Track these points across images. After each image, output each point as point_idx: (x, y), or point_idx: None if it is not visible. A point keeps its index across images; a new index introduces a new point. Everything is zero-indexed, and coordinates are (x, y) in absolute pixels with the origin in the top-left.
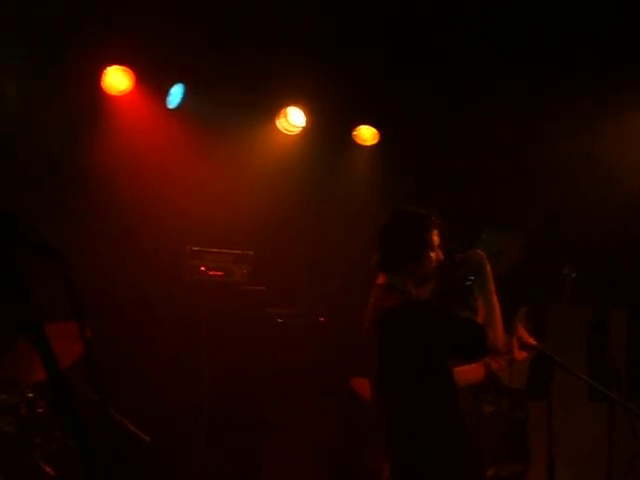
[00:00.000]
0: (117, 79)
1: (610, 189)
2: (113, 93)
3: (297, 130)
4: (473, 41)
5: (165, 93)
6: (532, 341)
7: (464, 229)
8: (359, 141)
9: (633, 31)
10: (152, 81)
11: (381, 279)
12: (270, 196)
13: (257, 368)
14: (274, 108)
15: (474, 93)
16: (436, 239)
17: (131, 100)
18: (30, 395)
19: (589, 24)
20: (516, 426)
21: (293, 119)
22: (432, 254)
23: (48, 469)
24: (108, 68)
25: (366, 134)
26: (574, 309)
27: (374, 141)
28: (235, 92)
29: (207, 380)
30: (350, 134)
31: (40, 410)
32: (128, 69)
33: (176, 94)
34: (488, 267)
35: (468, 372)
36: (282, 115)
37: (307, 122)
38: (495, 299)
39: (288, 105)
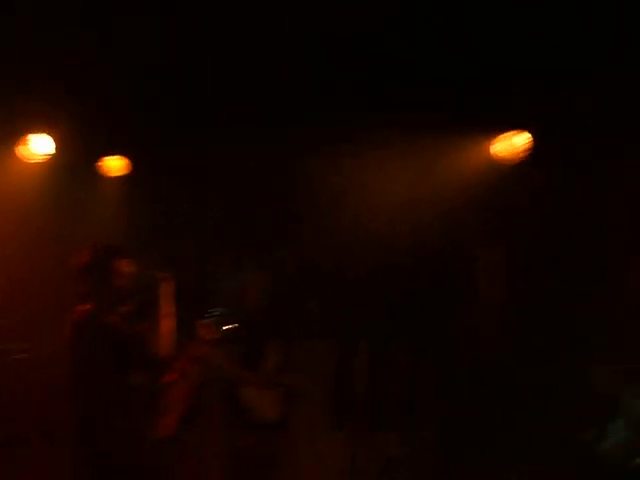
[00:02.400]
0: None
1: (356, 223)
2: None
3: (41, 158)
4: (219, 77)
5: None
6: (212, 335)
7: (203, 256)
8: (106, 171)
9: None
10: None
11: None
12: (12, 227)
13: None
14: (16, 135)
15: (221, 126)
16: (124, 268)
17: None
18: None
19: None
20: (262, 462)
21: (36, 146)
22: (118, 281)
23: None
24: None
25: (113, 164)
26: (319, 341)
27: (122, 172)
28: None
29: None
30: (96, 164)
31: None
32: None
33: None
34: (162, 288)
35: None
36: (24, 142)
37: (53, 149)
38: (162, 314)
39: (32, 132)
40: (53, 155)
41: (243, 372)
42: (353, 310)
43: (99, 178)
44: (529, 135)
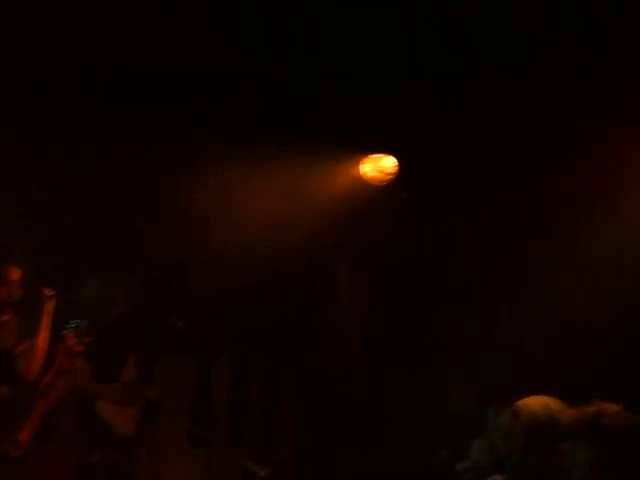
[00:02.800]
0: None
1: (221, 239)
2: None
3: None
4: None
5: None
6: (77, 347)
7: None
8: None
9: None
10: None
11: None
12: None
13: None
14: None
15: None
16: (9, 275)
17: None
18: None
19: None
20: (121, 476)
21: None
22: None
23: None
24: None
25: None
26: (180, 356)
27: None
28: None
29: None
30: None
31: None
32: None
33: None
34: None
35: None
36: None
37: None
38: (36, 333)
39: None
40: None
41: (97, 385)
42: (216, 325)
43: None
44: (395, 158)
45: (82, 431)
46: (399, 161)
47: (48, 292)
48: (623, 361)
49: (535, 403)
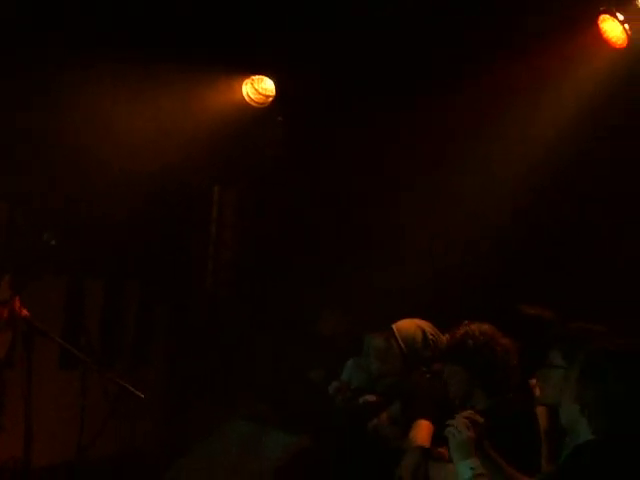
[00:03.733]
0: None
1: (99, 160)
2: None
3: None
4: None
5: None
6: None
7: None
8: None
9: None
10: None
11: None
12: None
13: None
14: None
15: None
16: None
17: None
18: None
19: None
20: None
21: None
22: None
23: None
24: None
25: None
26: (52, 277)
27: None
28: None
29: None
30: None
31: None
32: None
33: None
34: None
35: None
36: None
37: None
38: None
39: None
40: None
41: None
42: (90, 245)
43: None
44: (274, 80)
45: None
46: (279, 83)
47: None
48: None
49: (409, 326)
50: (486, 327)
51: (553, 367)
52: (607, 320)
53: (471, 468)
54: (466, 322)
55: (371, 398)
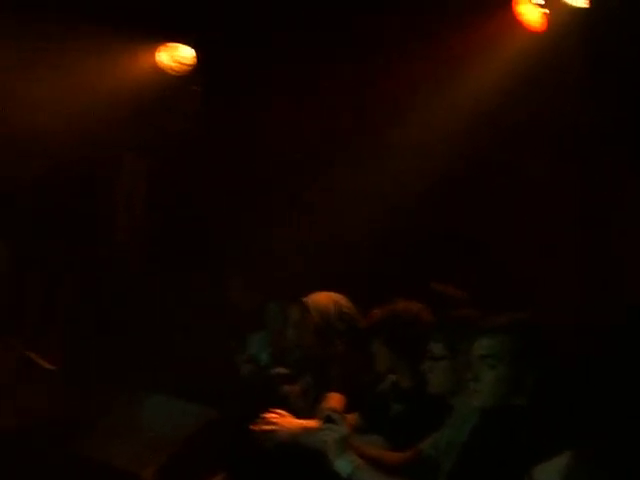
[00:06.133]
0: None
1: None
2: None
3: None
4: None
5: None
6: None
7: None
8: None
9: None
10: None
11: None
12: None
13: None
14: None
15: None
16: None
17: None
18: None
19: None
20: None
21: None
22: None
23: None
24: None
25: None
26: None
27: None
28: None
29: None
30: None
31: None
32: None
33: None
34: None
35: None
36: None
37: None
38: None
39: None
40: None
41: None
42: None
43: None
44: (193, 49)
45: None
46: (196, 51)
47: None
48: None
49: (323, 299)
50: (414, 305)
51: (438, 359)
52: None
53: (350, 462)
54: (395, 299)
55: (282, 370)
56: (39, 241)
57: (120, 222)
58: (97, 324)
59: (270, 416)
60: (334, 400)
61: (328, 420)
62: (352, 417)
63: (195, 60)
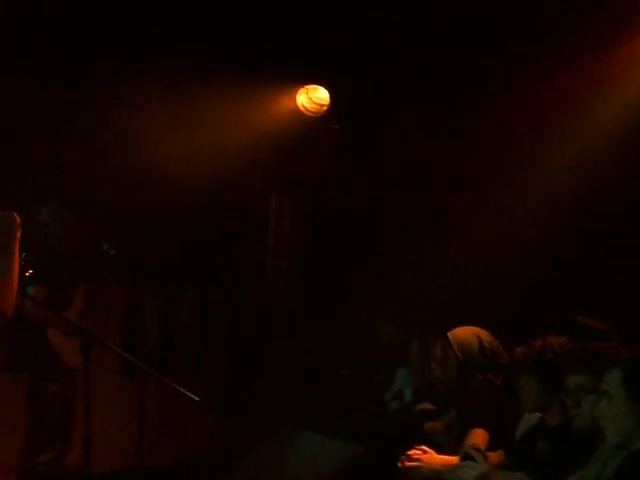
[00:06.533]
0: None
1: (155, 168)
2: None
3: None
4: None
5: None
6: None
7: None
8: None
9: None
10: None
11: None
12: None
13: None
14: None
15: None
16: None
17: None
18: None
19: None
20: (67, 405)
21: None
22: None
23: None
24: None
25: None
26: (111, 287)
27: None
28: None
29: None
30: None
31: None
32: None
33: None
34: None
35: None
36: None
37: None
38: (10, 261)
39: None
40: None
41: (48, 315)
42: (148, 255)
43: None
44: (329, 90)
45: (36, 361)
46: (333, 93)
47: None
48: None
49: (465, 333)
50: (564, 340)
51: (587, 392)
52: None
53: None
54: (544, 334)
55: (427, 406)
56: (192, 285)
57: (268, 261)
58: (248, 362)
59: (414, 452)
60: (477, 436)
61: (467, 457)
62: (496, 454)
63: (330, 100)
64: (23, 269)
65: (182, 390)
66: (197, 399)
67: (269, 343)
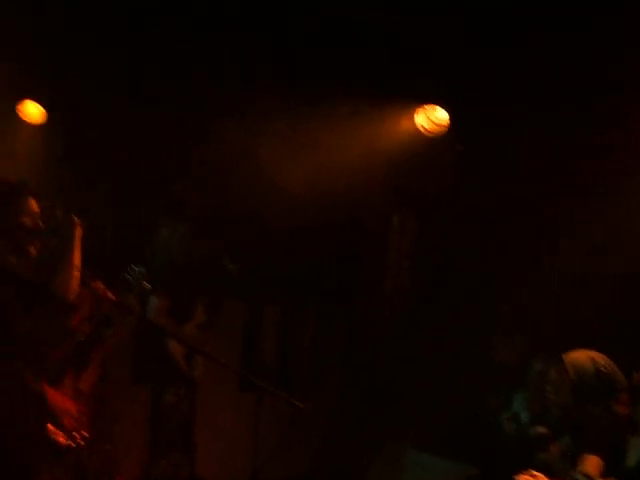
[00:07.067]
0: None
1: (277, 187)
2: None
3: None
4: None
5: None
6: (110, 296)
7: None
8: (24, 117)
9: None
10: None
11: None
12: None
13: None
14: None
15: (142, 83)
16: (30, 206)
17: None
18: None
19: None
20: (185, 416)
21: None
22: (26, 219)
23: None
24: None
25: (32, 110)
26: (232, 302)
27: (40, 119)
28: None
29: None
30: (15, 108)
31: None
32: None
33: None
34: (75, 231)
35: None
36: None
37: None
38: (69, 253)
39: None
40: None
41: (173, 327)
42: (267, 270)
43: (17, 124)
44: (449, 110)
45: (157, 372)
46: (453, 112)
47: (72, 219)
48: None
49: (580, 357)
50: None
51: None
52: None
53: None
54: None
55: (542, 430)
56: (311, 300)
57: (389, 281)
58: (365, 378)
59: (524, 477)
60: (591, 463)
61: None
62: None
63: (449, 121)
64: (141, 282)
65: (294, 402)
66: (304, 407)
67: (386, 360)
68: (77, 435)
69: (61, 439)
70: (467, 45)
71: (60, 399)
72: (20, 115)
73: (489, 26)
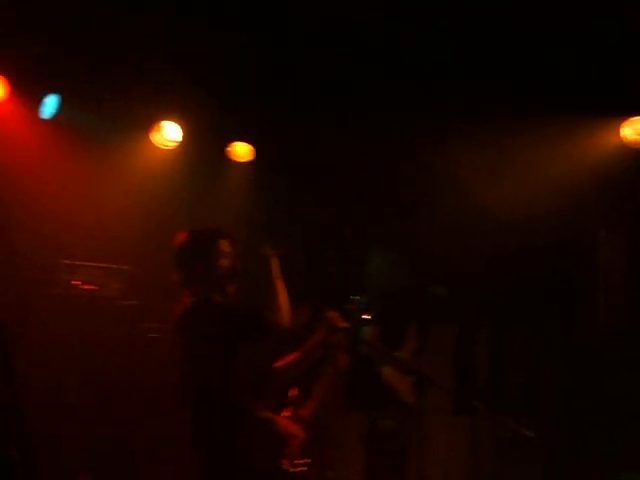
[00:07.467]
0: None
1: (482, 209)
2: None
3: (172, 144)
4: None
5: (39, 103)
6: (342, 324)
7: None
8: (234, 157)
9: None
10: (27, 90)
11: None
12: (145, 210)
13: (129, 384)
14: (149, 122)
15: (341, 115)
16: (226, 248)
17: (4, 110)
18: None
19: None
20: (402, 442)
21: (168, 133)
22: (223, 261)
23: None
24: None
25: (241, 150)
26: (442, 326)
27: (249, 157)
28: (110, 104)
29: (77, 393)
30: (225, 150)
31: None
32: (2, 78)
33: (51, 104)
34: (273, 262)
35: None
36: (157, 129)
37: (183, 137)
38: (277, 287)
39: (163, 119)
40: (182, 142)
41: (389, 353)
42: (476, 294)
43: (227, 164)
44: None
45: (373, 399)
46: None
47: (270, 251)
48: None
49: None
50: None
51: None
52: None
53: None
54: None
55: None
56: (522, 320)
57: (599, 299)
58: (582, 403)
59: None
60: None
61: None
62: None
63: None
64: (358, 312)
65: (522, 429)
66: (532, 435)
67: (602, 383)
68: (301, 462)
69: (288, 466)
70: None
71: (287, 424)
72: (230, 155)
73: None
